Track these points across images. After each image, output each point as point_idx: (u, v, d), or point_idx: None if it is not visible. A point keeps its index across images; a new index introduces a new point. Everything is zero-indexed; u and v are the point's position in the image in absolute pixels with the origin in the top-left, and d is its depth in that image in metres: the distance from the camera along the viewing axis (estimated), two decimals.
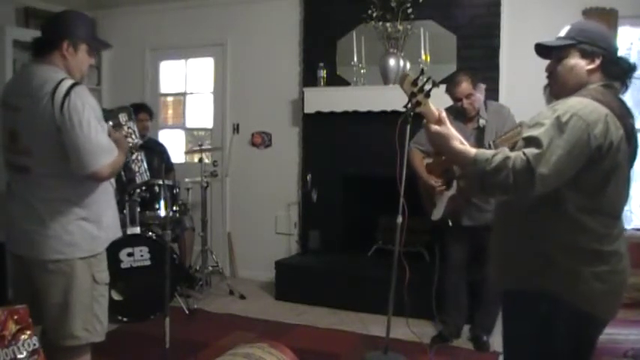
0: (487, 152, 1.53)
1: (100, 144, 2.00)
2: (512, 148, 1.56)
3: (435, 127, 1.63)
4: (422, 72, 1.74)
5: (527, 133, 1.53)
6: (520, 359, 1.72)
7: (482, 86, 3.41)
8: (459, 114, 3.32)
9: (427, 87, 1.67)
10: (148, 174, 2.58)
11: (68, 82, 1.98)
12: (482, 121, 3.29)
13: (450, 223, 3.37)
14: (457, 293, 3.51)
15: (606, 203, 1.58)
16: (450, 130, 1.62)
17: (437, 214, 3.38)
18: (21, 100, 2.02)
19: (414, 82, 1.68)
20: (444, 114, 1.64)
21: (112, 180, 2.22)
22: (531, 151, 1.46)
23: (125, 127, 2.28)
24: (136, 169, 2.51)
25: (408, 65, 4.27)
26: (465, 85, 3.25)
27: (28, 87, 2.00)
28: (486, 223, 3.28)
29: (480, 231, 3.33)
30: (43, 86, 1.97)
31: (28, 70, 2.11)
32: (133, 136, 2.31)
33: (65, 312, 2.04)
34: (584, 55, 1.64)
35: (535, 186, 1.44)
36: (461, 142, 1.62)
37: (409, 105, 1.71)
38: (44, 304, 2.05)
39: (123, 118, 2.29)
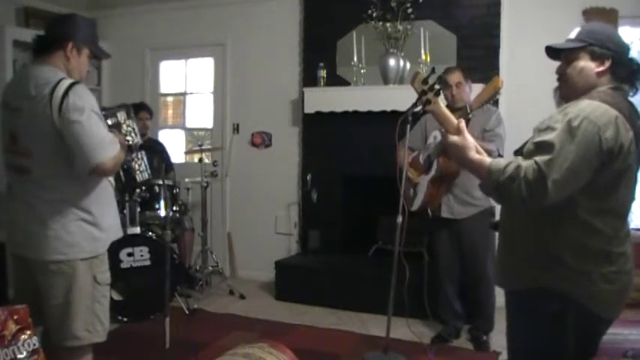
0: (500, 162, 1.54)
1: (102, 137, 2.00)
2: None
3: (453, 138, 1.64)
4: (433, 70, 1.75)
5: (538, 138, 1.53)
6: (526, 358, 1.72)
7: (471, 85, 3.44)
8: (447, 106, 3.38)
9: (438, 86, 1.68)
10: (149, 172, 2.56)
11: (67, 82, 1.98)
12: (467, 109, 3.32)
13: (430, 213, 3.41)
14: (449, 300, 3.54)
15: (617, 205, 1.59)
16: (468, 140, 1.63)
17: (416, 203, 3.43)
18: (20, 101, 2.02)
19: (425, 81, 1.69)
20: (463, 123, 1.65)
21: (112, 179, 2.22)
22: (542, 158, 1.46)
23: (124, 126, 2.26)
24: (136, 167, 2.49)
25: (408, 65, 4.27)
26: (457, 74, 3.37)
27: (28, 88, 2.00)
28: (467, 216, 3.33)
29: (462, 225, 3.37)
30: (42, 88, 1.97)
31: (27, 70, 2.11)
32: (133, 134, 2.29)
33: (67, 312, 2.04)
34: (594, 57, 1.63)
35: (548, 192, 1.45)
36: (477, 151, 1.63)
37: (419, 104, 1.72)
38: (46, 304, 2.05)
39: (121, 116, 2.28)
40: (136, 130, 2.33)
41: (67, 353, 2.08)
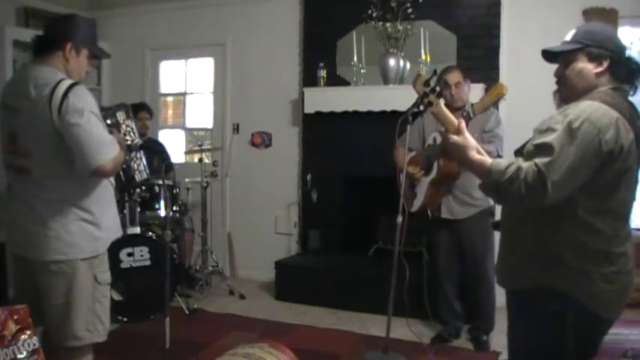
0: (501, 163, 1.55)
1: (101, 139, 2.01)
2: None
3: (454, 138, 1.65)
4: (434, 73, 1.76)
5: (538, 140, 1.53)
6: (527, 357, 1.73)
7: (470, 84, 3.43)
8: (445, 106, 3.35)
9: (439, 87, 1.69)
10: (147, 171, 2.56)
11: (66, 83, 1.98)
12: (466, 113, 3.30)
13: (430, 214, 3.40)
14: (449, 300, 3.54)
15: (616, 205, 1.59)
16: (468, 140, 1.64)
17: (417, 204, 3.42)
18: (20, 101, 2.02)
19: (427, 83, 1.70)
20: (463, 124, 1.66)
21: (112, 179, 2.23)
22: (542, 160, 1.47)
23: (123, 126, 2.26)
24: (135, 167, 2.49)
25: (408, 65, 4.27)
26: (456, 74, 3.34)
27: (27, 88, 1.99)
28: (467, 217, 3.33)
29: (461, 225, 3.37)
30: (41, 88, 1.97)
31: (27, 71, 2.11)
32: (132, 134, 2.29)
33: (67, 313, 2.04)
34: (592, 58, 1.63)
35: (547, 194, 1.45)
36: (478, 152, 1.64)
37: (421, 105, 1.73)
38: (46, 304, 2.05)
39: (121, 116, 2.28)
40: (135, 130, 2.33)
41: (67, 353, 2.08)
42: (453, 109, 3.31)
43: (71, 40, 2.06)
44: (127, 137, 2.26)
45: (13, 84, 2.14)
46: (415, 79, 1.74)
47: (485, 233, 3.32)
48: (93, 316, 2.09)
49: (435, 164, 3.33)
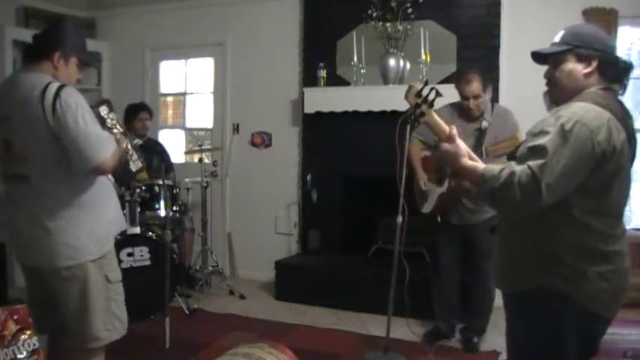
0: (494, 169, 1.55)
1: (99, 136, 2.00)
2: (510, 156, 1.56)
3: (445, 146, 1.66)
4: (426, 83, 1.75)
5: (531, 142, 1.54)
6: (526, 358, 1.73)
7: (491, 88, 3.36)
8: (462, 111, 3.30)
9: (431, 97, 1.69)
10: (142, 160, 2.54)
11: (55, 85, 1.96)
12: (484, 123, 3.21)
13: (439, 219, 3.39)
14: (447, 295, 3.52)
15: (610, 204, 1.60)
16: (459, 147, 1.65)
17: (427, 207, 3.40)
18: (11, 108, 2.00)
19: (419, 94, 1.70)
20: (454, 131, 1.66)
21: (110, 175, 2.22)
22: (536, 162, 1.47)
23: (108, 120, 2.24)
24: (128, 157, 2.48)
25: (408, 65, 4.27)
26: (475, 85, 3.18)
27: (17, 94, 1.98)
28: (476, 222, 3.30)
29: (470, 229, 3.35)
30: (31, 91, 1.95)
31: (16, 78, 2.10)
32: (118, 126, 2.28)
33: (84, 315, 2.04)
34: (580, 59, 1.64)
35: (542, 197, 1.46)
36: (470, 158, 1.64)
37: (413, 117, 1.73)
38: (63, 309, 2.05)
39: (103, 110, 2.25)
40: (120, 122, 2.31)
41: (84, 355, 2.08)
42: (471, 119, 3.27)
43: (59, 49, 2.04)
44: (115, 130, 2.25)
45: (2, 91, 2.10)
46: (407, 90, 1.74)
47: (489, 236, 3.30)
48: (110, 315, 2.10)
49: (447, 181, 3.28)
